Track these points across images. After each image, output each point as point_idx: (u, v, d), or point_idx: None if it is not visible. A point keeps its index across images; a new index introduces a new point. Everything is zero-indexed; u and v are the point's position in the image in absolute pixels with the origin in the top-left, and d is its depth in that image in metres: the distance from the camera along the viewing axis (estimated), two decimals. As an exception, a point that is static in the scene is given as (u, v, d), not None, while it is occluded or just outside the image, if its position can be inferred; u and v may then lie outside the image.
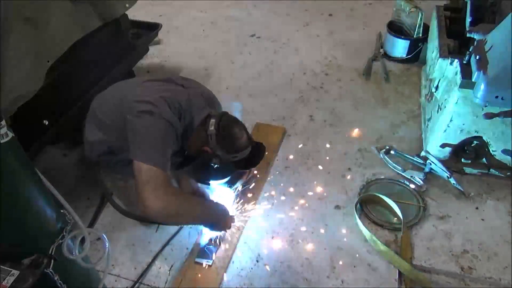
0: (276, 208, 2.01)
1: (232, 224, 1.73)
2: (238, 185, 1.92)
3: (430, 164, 2.10)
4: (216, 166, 1.52)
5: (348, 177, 2.15)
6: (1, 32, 1.40)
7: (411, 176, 2.09)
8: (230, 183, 1.81)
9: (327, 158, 2.28)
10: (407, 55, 2.96)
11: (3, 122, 0.83)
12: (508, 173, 2.05)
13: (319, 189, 2.09)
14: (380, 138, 2.38)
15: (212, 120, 1.50)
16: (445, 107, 2.00)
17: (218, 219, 1.62)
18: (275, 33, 3.49)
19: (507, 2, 1.95)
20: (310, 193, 2.07)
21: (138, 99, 1.45)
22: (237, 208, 1.90)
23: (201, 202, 1.62)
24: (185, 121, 1.50)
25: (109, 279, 1.74)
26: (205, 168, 1.57)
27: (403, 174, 2.11)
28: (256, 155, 1.62)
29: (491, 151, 2.01)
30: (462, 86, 1.82)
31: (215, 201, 1.79)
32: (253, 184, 1.98)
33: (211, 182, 1.83)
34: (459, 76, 1.84)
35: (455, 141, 2.03)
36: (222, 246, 1.79)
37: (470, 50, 1.87)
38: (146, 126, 1.38)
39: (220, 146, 1.49)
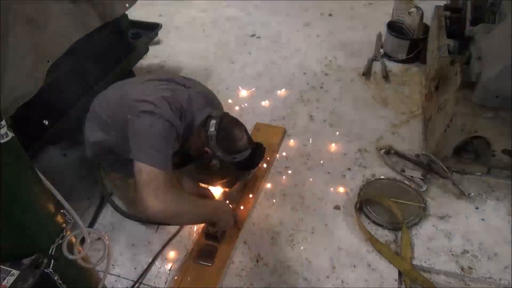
0: (276, 208, 2.01)
1: (234, 221, 1.73)
2: (238, 186, 1.93)
3: (430, 164, 2.10)
4: (216, 167, 1.52)
5: (348, 177, 2.15)
6: (1, 32, 1.40)
7: (411, 176, 2.09)
8: (230, 184, 1.81)
9: (327, 158, 2.28)
10: (407, 55, 2.96)
11: (3, 122, 0.83)
12: (508, 173, 2.05)
13: (319, 189, 2.09)
14: (380, 138, 2.38)
15: (213, 121, 1.50)
16: (445, 107, 2.00)
17: (220, 217, 1.62)
18: (275, 33, 3.49)
19: (507, 2, 1.95)
20: (310, 193, 2.07)
21: (139, 99, 1.45)
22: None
23: (202, 202, 1.62)
24: (186, 121, 1.50)
25: (109, 279, 1.74)
26: (205, 168, 1.57)
27: (403, 174, 2.11)
28: (257, 156, 1.62)
29: (491, 151, 2.01)
30: (462, 86, 1.82)
31: (216, 199, 1.78)
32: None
33: (211, 182, 1.83)
34: (459, 76, 1.84)
35: (455, 141, 2.03)
36: (222, 246, 1.79)
37: (470, 50, 1.87)
38: (147, 126, 1.38)
39: (220, 147, 1.49)
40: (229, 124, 1.53)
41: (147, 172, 1.32)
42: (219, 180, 1.66)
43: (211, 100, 1.68)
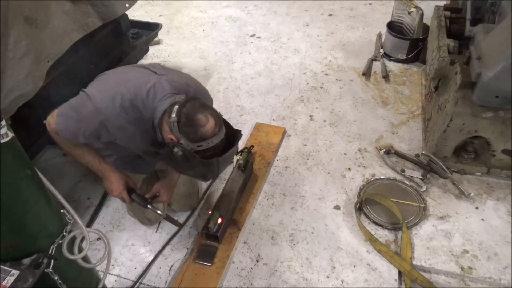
0: (276, 208, 2.01)
1: (117, 195, 1.66)
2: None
3: (430, 164, 2.10)
4: (177, 155, 1.39)
5: (348, 177, 2.15)
6: (1, 32, 1.40)
7: (411, 176, 2.09)
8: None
9: (327, 158, 2.28)
10: (407, 55, 2.96)
11: (3, 122, 0.83)
12: (508, 173, 2.05)
13: (319, 189, 2.09)
14: (380, 138, 2.38)
15: (175, 107, 1.40)
16: (445, 107, 2.00)
17: (104, 181, 1.64)
18: (275, 33, 3.49)
19: (507, 2, 1.95)
20: (310, 193, 2.07)
21: (96, 83, 1.52)
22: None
23: (93, 160, 1.61)
24: (146, 110, 1.46)
25: (109, 279, 1.75)
26: (171, 157, 1.43)
27: (403, 174, 2.12)
28: (230, 144, 1.49)
29: (491, 151, 2.01)
30: (462, 86, 1.82)
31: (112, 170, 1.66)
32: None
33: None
34: (459, 76, 1.84)
35: (455, 141, 2.03)
36: (222, 246, 1.79)
37: (470, 50, 1.87)
38: (74, 100, 1.47)
39: (182, 134, 1.39)
40: (192, 109, 1.40)
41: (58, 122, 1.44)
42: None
43: (186, 90, 1.56)
